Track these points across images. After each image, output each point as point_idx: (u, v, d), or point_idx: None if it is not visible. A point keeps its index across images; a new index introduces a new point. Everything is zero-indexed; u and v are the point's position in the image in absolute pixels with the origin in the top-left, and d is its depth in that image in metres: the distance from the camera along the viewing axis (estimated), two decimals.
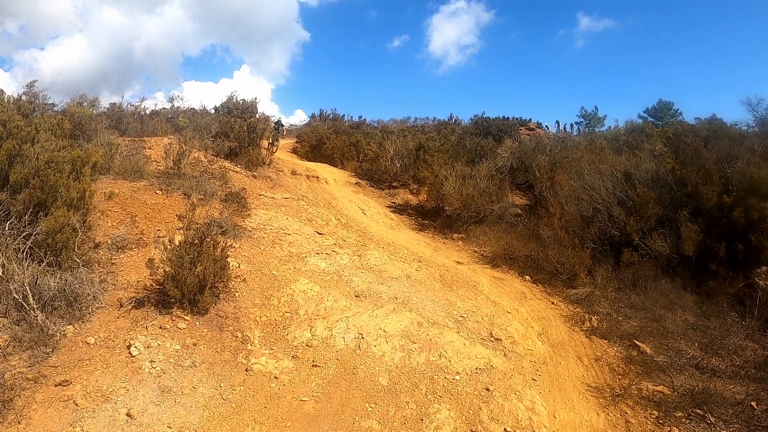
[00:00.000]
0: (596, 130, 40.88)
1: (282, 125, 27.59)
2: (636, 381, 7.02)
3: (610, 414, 6.49)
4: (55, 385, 5.57)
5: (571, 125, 47.53)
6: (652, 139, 20.55)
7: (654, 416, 6.34)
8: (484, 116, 44.60)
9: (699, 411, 6.29)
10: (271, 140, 23.81)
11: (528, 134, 37.08)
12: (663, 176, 12.00)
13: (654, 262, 10.41)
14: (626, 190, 11.98)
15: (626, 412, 6.48)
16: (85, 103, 18.83)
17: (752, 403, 6.36)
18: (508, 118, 47.71)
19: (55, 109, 17.75)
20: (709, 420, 6.12)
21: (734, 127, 20.40)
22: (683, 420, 6.23)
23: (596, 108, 46.56)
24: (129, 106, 23.75)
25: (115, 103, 23.80)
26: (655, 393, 6.78)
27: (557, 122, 49.19)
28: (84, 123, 14.43)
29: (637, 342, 8.10)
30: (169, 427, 5.43)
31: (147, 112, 24.94)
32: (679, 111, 41.97)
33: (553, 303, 9.90)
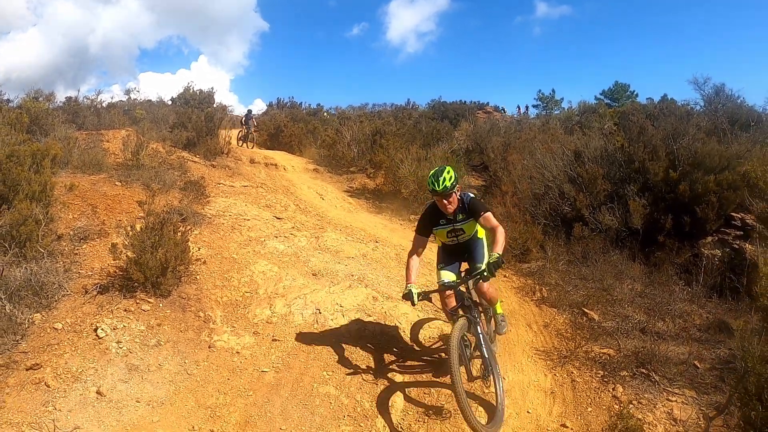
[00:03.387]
0: (553, 112, 41.48)
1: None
2: (583, 344, 7.33)
3: (557, 374, 6.83)
4: (26, 370, 5.73)
5: (527, 107, 48.11)
6: (604, 118, 21.07)
7: (599, 375, 6.67)
8: (441, 101, 44.87)
9: (643, 370, 6.61)
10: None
11: (485, 117, 37.49)
12: (612, 153, 12.42)
13: (604, 236, 10.83)
14: (576, 168, 12.36)
15: (573, 372, 6.82)
16: (40, 98, 18.64)
17: (695, 362, 6.70)
18: (465, 102, 48.13)
19: (11, 105, 17.58)
20: (654, 378, 6.45)
21: (684, 106, 20.97)
22: (627, 379, 6.55)
23: (553, 91, 47.51)
24: (85, 100, 23.61)
25: (71, 97, 23.69)
26: (601, 355, 7.12)
27: (518, 106, 49.67)
28: (40, 118, 14.34)
29: (585, 309, 8.45)
30: (138, 402, 5.67)
31: (103, 105, 24.77)
32: (635, 92, 43.00)
33: (505, 276, 10.25)
